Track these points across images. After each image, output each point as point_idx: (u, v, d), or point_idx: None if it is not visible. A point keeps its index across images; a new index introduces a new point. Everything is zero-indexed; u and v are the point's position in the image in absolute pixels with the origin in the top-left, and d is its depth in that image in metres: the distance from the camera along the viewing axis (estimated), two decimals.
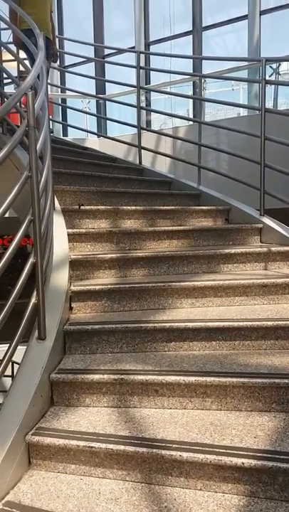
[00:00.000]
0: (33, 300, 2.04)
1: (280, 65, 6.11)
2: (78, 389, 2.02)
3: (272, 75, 6.75)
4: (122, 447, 1.69)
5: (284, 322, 2.27)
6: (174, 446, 1.67)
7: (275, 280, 2.64)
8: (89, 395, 2.02)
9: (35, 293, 2.05)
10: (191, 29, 6.36)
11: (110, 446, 1.70)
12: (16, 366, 2.41)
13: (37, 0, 4.12)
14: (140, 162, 4.51)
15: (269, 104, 6.55)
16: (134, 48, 6.62)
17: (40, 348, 2.05)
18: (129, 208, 3.42)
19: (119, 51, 6.54)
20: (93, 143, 5.73)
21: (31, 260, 2.03)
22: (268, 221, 3.33)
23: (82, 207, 3.26)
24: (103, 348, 2.28)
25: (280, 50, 6.72)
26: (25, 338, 2.02)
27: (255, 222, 3.38)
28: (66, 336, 2.28)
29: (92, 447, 1.71)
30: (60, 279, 2.41)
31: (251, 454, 1.60)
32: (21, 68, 3.92)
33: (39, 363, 1.98)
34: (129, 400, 1.99)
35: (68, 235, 2.85)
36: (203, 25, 6.31)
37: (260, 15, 5.65)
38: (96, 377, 2.00)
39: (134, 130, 4.68)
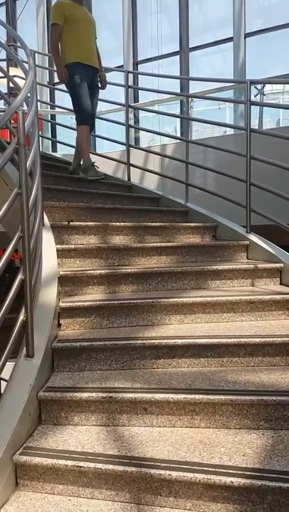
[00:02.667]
0: (22, 317, 2.03)
1: (264, 85, 6.28)
2: (67, 407, 2.00)
3: (257, 94, 6.93)
4: (110, 467, 1.68)
5: (271, 339, 2.30)
6: (162, 465, 1.66)
7: (261, 297, 2.67)
8: (77, 414, 2.00)
9: (23, 310, 2.04)
10: (178, 49, 6.50)
11: (99, 465, 1.69)
12: (3, 383, 2.38)
13: (80, 30, 3.91)
14: (129, 179, 4.55)
15: (255, 122, 6.72)
16: (122, 67, 6.73)
17: (28, 366, 2.03)
18: (118, 224, 3.45)
19: (109, 70, 6.64)
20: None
21: (20, 277, 2.02)
22: (254, 238, 3.38)
23: (71, 223, 3.28)
24: (92, 365, 2.27)
25: (264, 71, 6.91)
26: (14, 354, 2.00)
27: (242, 239, 3.42)
28: (54, 353, 2.27)
29: (80, 467, 1.70)
30: (49, 295, 2.40)
31: (240, 472, 1.60)
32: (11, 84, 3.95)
33: (27, 381, 1.96)
34: (117, 418, 1.98)
35: (57, 250, 2.85)
36: (190, 46, 6.46)
37: (245, 37, 5.81)
38: (84, 395, 1.98)
39: (123, 147, 4.74)
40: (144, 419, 1.97)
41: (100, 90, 4.22)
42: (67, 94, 4.05)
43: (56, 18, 3.89)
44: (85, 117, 3.96)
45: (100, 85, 4.17)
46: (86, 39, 3.93)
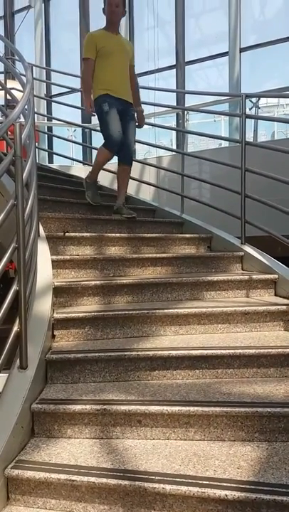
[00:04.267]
0: (16, 328, 2.03)
1: (259, 99, 6.36)
2: (60, 420, 1.99)
3: (252, 107, 7.02)
4: (104, 480, 1.66)
5: (266, 350, 2.29)
6: (156, 478, 1.65)
7: (256, 308, 2.67)
8: (71, 426, 1.98)
9: (17, 321, 2.04)
10: (174, 63, 6.59)
11: (92, 479, 1.67)
12: None
13: (113, 62, 3.61)
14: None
15: (250, 134, 6.79)
16: None
17: (21, 378, 2.02)
18: (113, 235, 3.46)
19: None
20: (79, 170, 5.80)
21: (14, 288, 2.02)
22: (248, 249, 3.39)
23: (66, 234, 3.28)
24: (86, 377, 2.25)
25: (259, 84, 7.02)
26: (7, 365, 1.99)
27: (237, 250, 3.44)
28: (48, 364, 2.25)
29: (73, 480, 1.68)
30: (43, 306, 2.40)
31: (235, 485, 1.59)
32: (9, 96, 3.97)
33: (20, 393, 1.95)
34: (111, 431, 1.96)
35: (52, 261, 2.85)
36: (186, 59, 6.56)
37: (240, 52, 5.90)
38: (78, 407, 1.97)
39: None
40: (138, 432, 1.95)
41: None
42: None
43: (87, 52, 3.65)
44: (110, 142, 3.62)
45: (136, 119, 3.83)
46: (119, 72, 3.66)
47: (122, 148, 3.69)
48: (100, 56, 3.61)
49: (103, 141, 3.71)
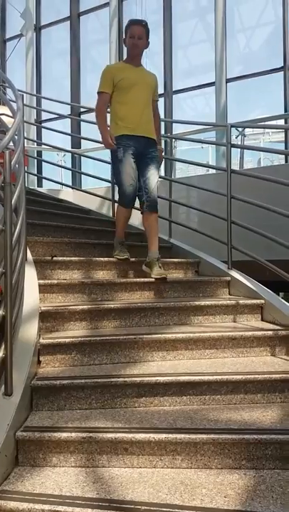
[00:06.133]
0: (1, 354, 2.00)
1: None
2: (45, 448, 1.95)
3: (238, 135, 7.21)
4: (88, 510, 1.62)
5: (252, 376, 2.30)
6: (143, 508, 1.62)
7: (243, 333, 2.69)
8: (56, 454, 1.95)
9: (3, 346, 2.02)
10: (162, 92, 6.77)
11: (77, 509, 1.63)
12: None
13: (132, 97, 3.33)
14: (114, 215, 4.61)
15: (236, 161, 6.95)
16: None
17: (6, 405, 1.98)
18: (102, 259, 3.47)
19: (92, 110, 6.86)
20: (68, 194, 5.85)
21: (0, 313, 2.01)
22: (235, 274, 3.43)
23: (54, 258, 3.29)
24: (71, 404, 2.22)
25: (245, 113, 7.23)
26: None
27: (224, 275, 3.47)
28: (34, 391, 2.22)
29: (57, 511, 1.64)
30: (29, 331, 2.38)
31: None
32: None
33: (5, 421, 1.91)
34: (97, 459, 1.93)
35: (39, 285, 2.85)
36: (174, 89, 6.75)
37: (227, 82, 6.11)
38: (64, 435, 1.94)
39: (108, 183, 4.84)
40: (125, 460, 1.93)
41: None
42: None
43: (103, 86, 3.39)
44: (122, 197, 3.38)
45: (157, 157, 3.47)
46: (139, 107, 3.35)
47: (142, 195, 3.36)
48: (117, 90, 3.35)
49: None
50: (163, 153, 3.73)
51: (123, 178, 3.33)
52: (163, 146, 4.14)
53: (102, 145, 4.06)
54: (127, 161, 3.31)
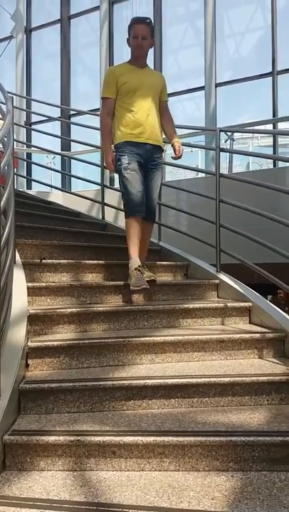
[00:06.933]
0: None
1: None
2: (32, 451, 1.94)
3: (227, 139, 7.27)
4: None
5: (240, 378, 2.32)
6: (130, 511, 1.62)
7: (231, 336, 2.71)
8: (43, 458, 1.94)
9: None
10: None
11: None
12: None
13: (137, 100, 3.16)
14: (103, 217, 4.63)
15: (225, 164, 7.01)
16: (98, 110, 6.97)
17: None
18: (91, 261, 3.47)
19: (83, 113, 6.86)
20: (57, 197, 5.83)
21: None
22: (223, 277, 3.45)
23: (43, 260, 3.28)
24: (59, 407, 2.22)
25: (234, 117, 7.30)
26: None
27: (212, 278, 3.50)
28: (21, 394, 2.21)
29: None
30: (17, 334, 2.37)
31: None
32: None
33: None
34: (85, 463, 1.93)
35: (28, 288, 2.84)
36: None
37: (216, 87, 6.15)
38: (51, 438, 1.93)
39: (98, 186, 4.84)
40: (113, 463, 1.93)
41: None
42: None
43: (106, 90, 3.21)
44: (131, 208, 3.15)
45: (173, 151, 3.36)
46: (144, 111, 3.17)
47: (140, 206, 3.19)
48: (121, 94, 3.17)
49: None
50: (180, 148, 3.37)
51: (131, 185, 3.13)
52: None
53: (92, 148, 4.06)
54: (133, 168, 3.15)
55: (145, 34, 3.17)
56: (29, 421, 2.12)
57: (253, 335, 2.73)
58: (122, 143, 3.19)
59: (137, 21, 3.20)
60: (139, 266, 3.09)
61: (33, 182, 7.21)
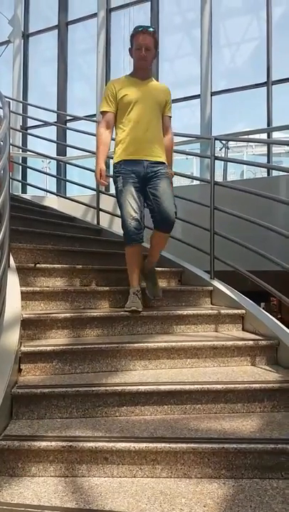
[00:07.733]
0: None
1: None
2: (24, 457, 1.93)
3: (222, 148, 7.33)
4: None
5: (233, 385, 2.32)
6: None
7: (224, 342, 2.72)
8: (35, 464, 1.93)
9: None
10: None
11: None
12: None
13: (136, 114, 2.99)
14: (98, 222, 4.63)
15: (220, 172, 7.06)
16: (95, 116, 7.00)
17: None
18: (85, 266, 3.47)
19: (78, 118, 6.89)
20: (52, 201, 5.83)
21: None
22: (217, 284, 3.47)
23: (37, 265, 3.27)
24: (52, 413, 2.21)
25: (229, 126, 7.36)
26: None
27: (206, 284, 3.51)
28: (14, 399, 2.20)
29: None
30: (11, 339, 2.36)
31: None
32: None
33: None
34: (77, 469, 1.92)
35: (22, 293, 2.82)
36: None
37: (212, 95, 6.21)
38: (43, 444, 1.92)
39: (93, 191, 4.85)
40: (105, 470, 1.92)
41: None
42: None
43: (104, 104, 3.06)
44: (127, 236, 2.99)
45: (166, 173, 3.09)
46: (140, 127, 2.98)
47: (156, 215, 3.03)
48: (121, 108, 3.01)
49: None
50: (171, 175, 3.22)
51: (123, 212, 2.98)
52: None
53: (88, 153, 4.05)
54: (128, 191, 2.97)
55: (149, 45, 2.96)
56: (21, 426, 2.10)
57: (246, 342, 2.74)
58: (119, 162, 3.04)
59: (140, 31, 2.96)
60: (138, 291, 3.07)
61: (28, 186, 7.21)
